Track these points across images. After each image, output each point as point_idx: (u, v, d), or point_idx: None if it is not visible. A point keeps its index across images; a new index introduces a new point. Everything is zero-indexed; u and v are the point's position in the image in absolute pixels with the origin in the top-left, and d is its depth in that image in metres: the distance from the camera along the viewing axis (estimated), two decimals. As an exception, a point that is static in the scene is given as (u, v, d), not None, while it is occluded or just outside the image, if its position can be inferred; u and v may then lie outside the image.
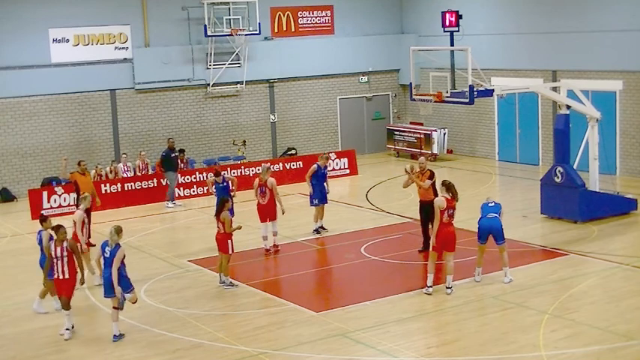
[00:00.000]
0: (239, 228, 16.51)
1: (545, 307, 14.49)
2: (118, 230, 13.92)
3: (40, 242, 14.91)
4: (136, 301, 14.30)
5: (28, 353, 13.53)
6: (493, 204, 16.21)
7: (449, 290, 15.44)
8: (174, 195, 25.02)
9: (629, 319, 13.84)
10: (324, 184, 20.29)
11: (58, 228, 14.01)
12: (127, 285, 13.82)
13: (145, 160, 26.93)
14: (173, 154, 24.94)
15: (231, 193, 19.38)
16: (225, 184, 19.57)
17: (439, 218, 15.19)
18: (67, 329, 13.93)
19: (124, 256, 13.74)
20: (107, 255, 13.76)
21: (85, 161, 21.60)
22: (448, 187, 15.49)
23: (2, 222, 23.75)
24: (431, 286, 15.36)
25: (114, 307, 13.78)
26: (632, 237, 19.26)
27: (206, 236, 20.54)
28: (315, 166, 20.24)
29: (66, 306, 13.89)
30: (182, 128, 29.40)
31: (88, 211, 20.43)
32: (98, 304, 15.50)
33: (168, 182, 25.02)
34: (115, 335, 13.75)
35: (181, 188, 25.83)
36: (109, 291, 13.76)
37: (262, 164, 20.84)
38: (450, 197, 15.33)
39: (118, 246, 13.76)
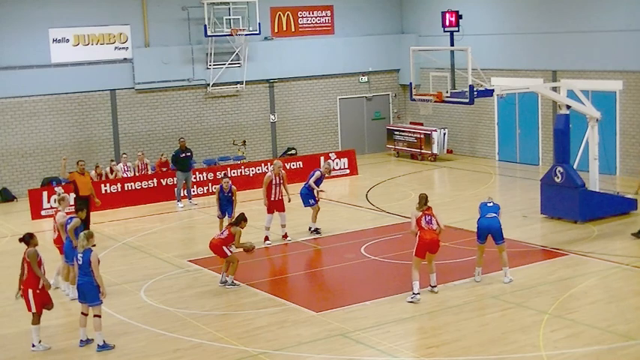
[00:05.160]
0: (249, 248, 16.71)
1: (545, 307, 14.49)
2: (89, 236, 13.57)
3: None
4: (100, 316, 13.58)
5: (28, 353, 13.53)
6: (492, 204, 16.20)
7: (435, 289, 15.47)
8: (180, 194, 24.95)
9: (629, 319, 13.84)
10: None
11: (30, 236, 13.82)
12: (94, 297, 13.39)
13: (145, 160, 26.93)
14: (182, 155, 24.94)
15: (233, 204, 20.17)
16: (229, 194, 19.90)
17: (418, 225, 15.15)
18: (35, 344, 13.60)
19: (99, 261, 13.40)
20: (80, 262, 13.39)
21: (84, 161, 21.57)
22: (419, 198, 15.45)
23: (2, 222, 23.75)
24: (418, 293, 15.20)
25: (95, 316, 13.39)
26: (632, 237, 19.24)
27: (206, 236, 20.50)
28: (319, 173, 20.61)
29: (33, 320, 13.61)
30: (182, 128, 29.39)
31: (87, 212, 20.54)
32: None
33: (176, 182, 25.06)
34: (99, 345, 13.38)
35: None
36: (86, 298, 13.40)
37: (275, 161, 21.21)
38: (425, 209, 15.29)
39: (90, 250, 13.39)
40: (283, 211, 19.98)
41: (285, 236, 20.00)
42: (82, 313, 13.62)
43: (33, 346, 13.62)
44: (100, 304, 13.45)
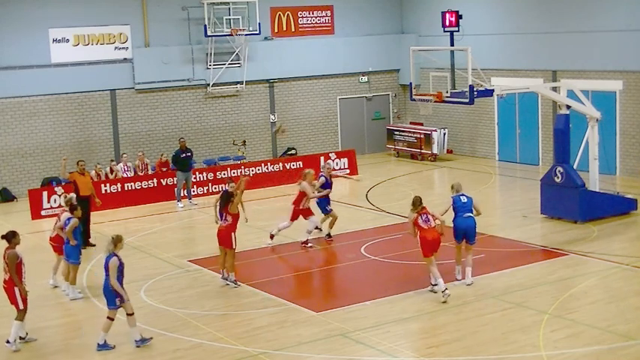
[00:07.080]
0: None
1: (545, 307, 14.49)
2: (117, 241, 13.44)
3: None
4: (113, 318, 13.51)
5: (28, 353, 13.53)
6: (465, 198, 15.95)
7: (435, 288, 15.46)
8: (180, 194, 24.94)
9: (629, 319, 13.84)
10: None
11: (13, 235, 13.69)
12: (110, 301, 13.32)
13: (145, 160, 26.92)
14: (182, 155, 24.95)
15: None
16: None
17: (417, 226, 15.11)
18: (11, 341, 13.57)
19: (119, 267, 13.27)
20: (104, 264, 13.41)
21: (84, 161, 21.57)
22: (413, 201, 15.34)
23: (2, 222, 23.73)
24: (447, 288, 15.01)
25: (108, 317, 13.34)
26: (632, 237, 19.24)
27: (206, 236, 20.54)
28: (323, 179, 20.02)
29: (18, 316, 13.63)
30: (182, 128, 29.38)
31: (87, 212, 20.55)
32: (99, 304, 15.48)
33: (176, 182, 25.06)
34: (99, 344, 13.34)
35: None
36: (106, 300, 13.44)
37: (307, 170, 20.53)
38: (419, 209, 15.23)
39: (112, 255, 13.32)
40: (311, 215, 19.48)
41: (305, 243, 19.42)
42: (128, 314, 13.50)
43: (7, 342, 13.55)
44: (115, 309, 13.40)
